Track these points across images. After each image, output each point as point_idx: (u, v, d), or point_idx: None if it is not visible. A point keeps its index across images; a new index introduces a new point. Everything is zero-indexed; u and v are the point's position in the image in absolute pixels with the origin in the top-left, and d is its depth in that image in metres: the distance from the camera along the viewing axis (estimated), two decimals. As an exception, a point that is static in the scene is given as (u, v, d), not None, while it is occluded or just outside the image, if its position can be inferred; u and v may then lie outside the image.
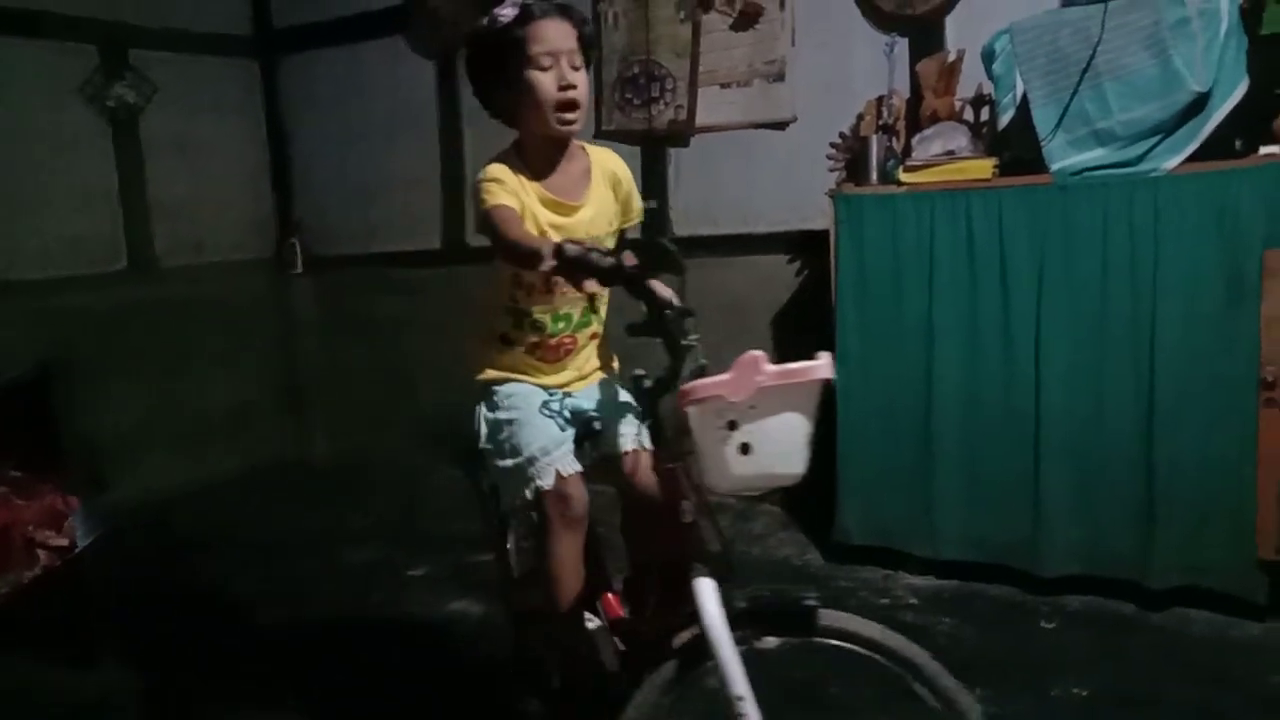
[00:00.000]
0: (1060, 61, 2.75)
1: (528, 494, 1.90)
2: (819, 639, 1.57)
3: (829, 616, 1.57)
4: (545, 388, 1.98)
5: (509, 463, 1.92)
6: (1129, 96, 2.65)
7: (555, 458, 1.88)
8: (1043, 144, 2.76)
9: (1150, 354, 2.66)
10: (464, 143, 4.49)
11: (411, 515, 4.01)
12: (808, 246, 3.48)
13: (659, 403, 1.68)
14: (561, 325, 1.96)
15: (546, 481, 1.87)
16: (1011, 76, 2.84)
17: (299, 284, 4.97)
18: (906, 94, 3.30)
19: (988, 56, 2.91)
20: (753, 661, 1.54)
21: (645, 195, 4.04)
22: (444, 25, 4.43)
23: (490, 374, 2.00)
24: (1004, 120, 2.88)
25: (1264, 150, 2.57)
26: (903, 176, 3.00)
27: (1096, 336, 2.73)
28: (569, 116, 1.82)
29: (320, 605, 3.17)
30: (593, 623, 1.96)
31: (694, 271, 3.87)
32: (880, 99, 3.27)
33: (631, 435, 1.93)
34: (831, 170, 3.39)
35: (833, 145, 3.39)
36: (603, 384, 2.01)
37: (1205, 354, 2.61)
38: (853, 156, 3.31)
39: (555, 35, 1.81)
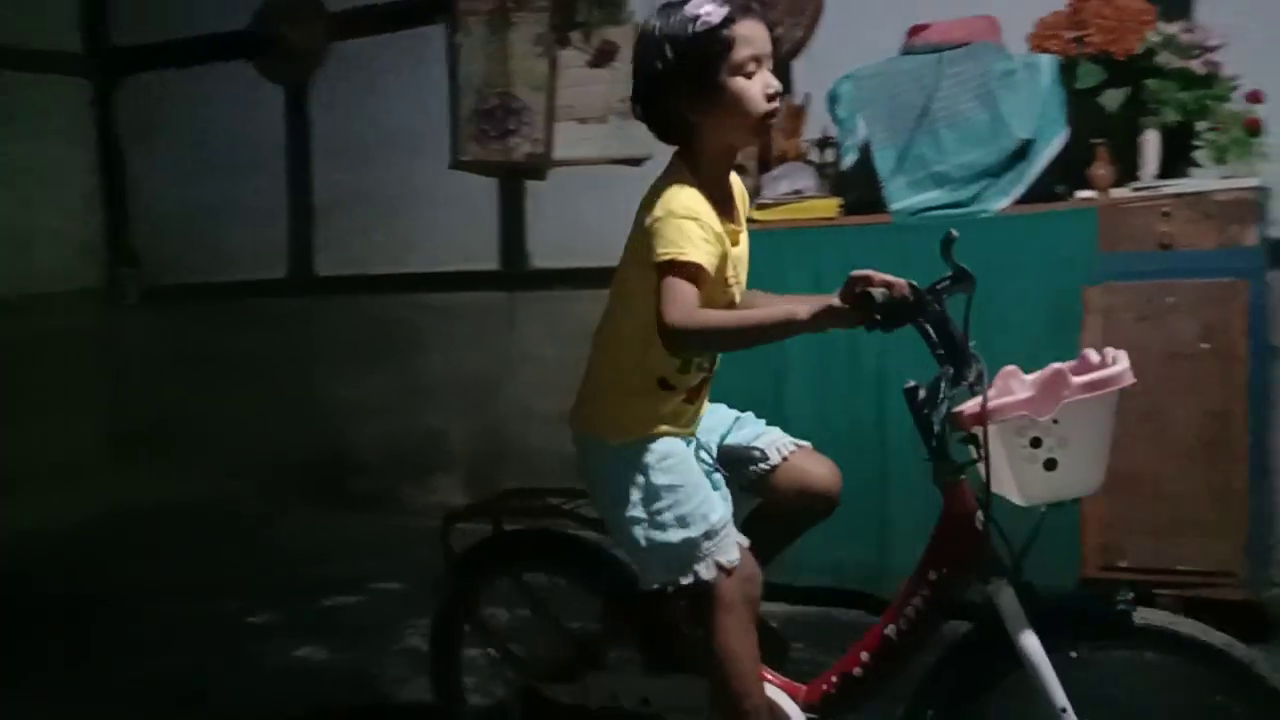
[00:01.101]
0: (899, 107, 2.90)
1: (701, 573, 1.66)
2: (1134, 646, 1.54)
3: (1147, 616, 1.50)
4: (687, 438, 1.77)
5: (674, 536, 1.67)
6: (962, 142, 2.82)
7: (732, 529, 1.69)
8: (883, 185, 2.90)
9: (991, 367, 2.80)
10: (312, 171, 4.37)
11: (257, 560, 3.83)
12: (664, 280, 3.53)
13: (936, 416, 1.57)
14: (713, 356, 1.78)
15: (729, 556, 1.67)
16: (854, 120, 2.96)
17: (134, 315, 4.71)
18: (757, 134, 3.40)
19: (832, 101, 3.04)
20: (1064, 670, 1.49)
21: (505, 227, 4.10)
22: (294, 51, 4.31)
23: (639, 431, 1.72)
24: (848, 162, 3.00)
25: (1081, 195, 2.77)
26: (753, 214, 3.07)
27: (935, 369, 2.86)
28: (771, 125, 1.69)
29: (159, 656, 2.97)
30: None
31: (554, 303, 3.96)
32: (733, 138, 3.36)
33: (775, 443, 1.84)
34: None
35: (689, 182, 3.46)
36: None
37: (1038, 366, 2.76)
38: (707, 193, 3.38)
39: (760, 36, 1.61)
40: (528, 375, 4.01)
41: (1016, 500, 1.51)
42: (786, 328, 1.57)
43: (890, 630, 1.66)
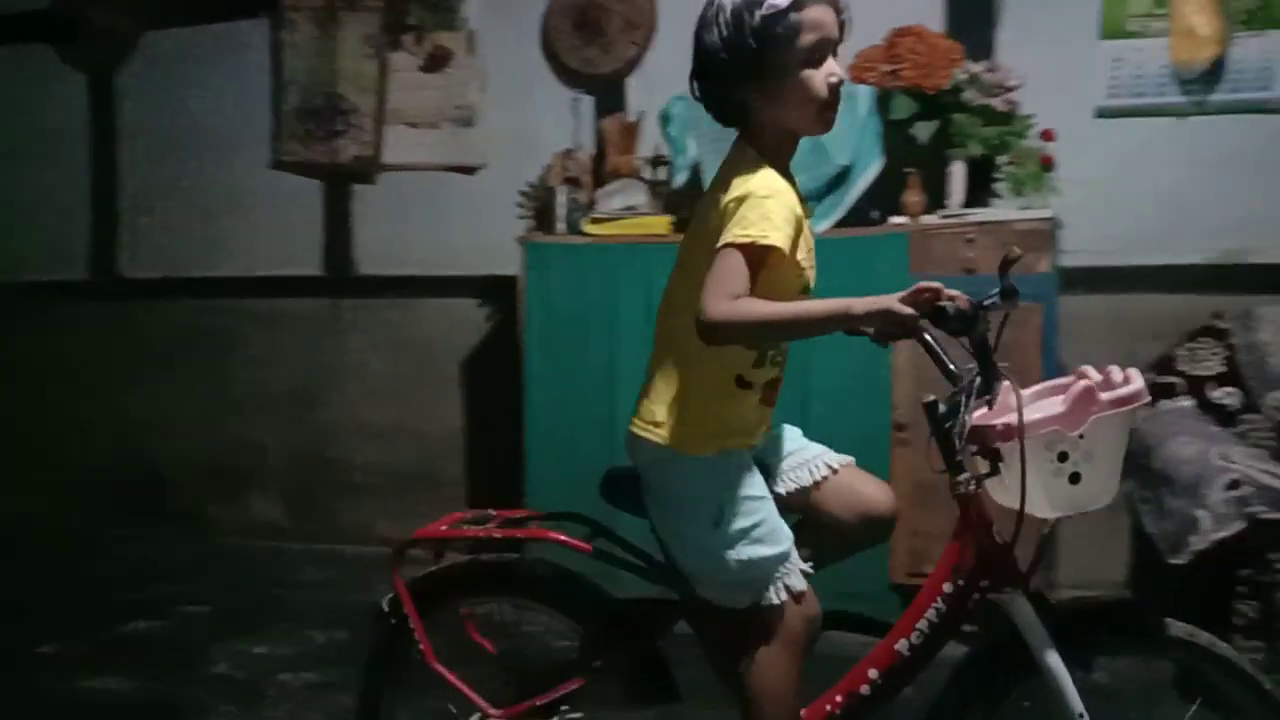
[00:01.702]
0: (728, 130, 2.97)
1: (773, 597, 1.61)
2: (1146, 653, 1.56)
3: (1164, 626, 1.52)
4: (752, 448, 1.68)
5: (754, 554, 1.60)
6: (786, 165, 2.93)
7: (797, 554, 1.64)
8: (713, 204, 2.97)
9: (805, 400, 2.91)
10: (118, 166, 4.09)
11: (53, 583, 3.53)
12: (498, 291, 3.50)
13: (953, 427, 1.53)
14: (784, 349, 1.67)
15: (798, 582, 1.63)
16: (685, 140, 3.03)
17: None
18: (592, 149, 3.42)
19: (664, 119, 3.10)
20: (1077, 675, 1.50)
21: (330, 231, 3.96)
22: (100, 37, 4.03)
23: (721, 443, 1.62)
24: (679, 180, 3.07)
25: (894, 220, 2.93)
26: (587, 228, 3.11)
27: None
28: (834, 114, 1.57)
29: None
30: None
31: (382, 312, 3.86)
32: (567, 152, 3.37)
33: (821, 458, 1.75)
34: (521, 218, 3.44)
35: (521, 193, 3.45)
36: None
37: (849, 399, 2.89)
38: (540, 206, 3.38)
39: (828, 21, 1.53)
40: (353, 387, 3.89)
41: (1040, 513, 1.52)
42: (836, 322, 1.50)
43: (902, 645, 1.62)
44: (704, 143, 3.00)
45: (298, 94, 3.81)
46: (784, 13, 1.49)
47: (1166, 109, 3.06)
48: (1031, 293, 2.76)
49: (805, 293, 1.65)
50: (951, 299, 1.45)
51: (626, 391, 3.01)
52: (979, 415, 1.51)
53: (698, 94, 1.61)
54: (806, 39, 1.50)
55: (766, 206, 1.48)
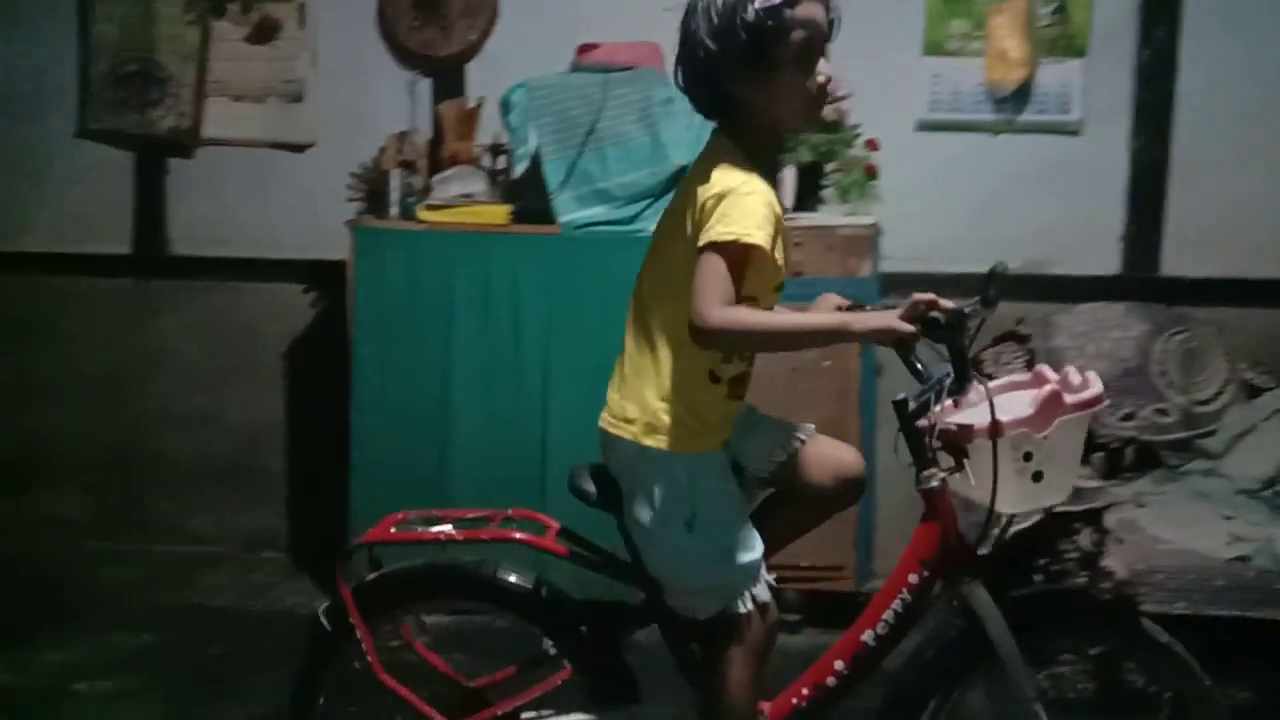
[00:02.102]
0: (568, 122, 2.97)
1: (740, 607, 1.60)
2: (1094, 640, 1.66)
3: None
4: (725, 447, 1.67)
5: (727, 561, 1.59)
6: (625, 162, 2.95)
7: (764, 565, 1.63)
8: (552, 197, 2.96)
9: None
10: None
11: None
12: (325, 277, 3.36)
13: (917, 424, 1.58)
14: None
15: (764, 593, 1.62)
16: (526, 130, 3.00)
17: None
18: (429, 133, 3.34)
19: (504, 107, 3.05)
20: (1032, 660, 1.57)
21: (141, 207, 3.70)
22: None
23: (704, 440, 1.62)
24: (518, 170, 3.03)
25: (729, 220, 2.99)
26: (422, 214, 3.03)
27: (598, 378, 2.94)
28: (820, 112, 1.57)
29: None
30: None
31: (199, 295, 3.64)
32: (402, 135, 3.28)
33: (790, 432, 1.73)
34: (351, 201, 3.32)
35: (353, 175, 3.33)
36: None
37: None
38: (373, 189, 3.28)
39: (820, 19, 1.51)
40: (164, 374, 3.65)
41: (1005, 509, 1.58)
42: (831, 337, 1.54)
43: (868, 636, 1.65)
44: (545, 133, 2.98)
45: (108, 58, 3.54)
46: (779, 8, 1.48)
47: (980, 125, 3.27)
48: (854, 296, 2.89)
49: (779, 290, 1.65)
50: (943, 310, 1.48)
51: (461, 384, 2.99)
52: (946, 414, 1.56)
53: (680, 83, 1.59)
54: (799, 35, 1.49)
55: (748, 204, 1.47)
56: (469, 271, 2.97)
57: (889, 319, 1.46)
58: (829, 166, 3.12)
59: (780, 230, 1.55)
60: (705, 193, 1.50)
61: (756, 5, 1.47)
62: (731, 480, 1.67)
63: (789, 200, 3.07)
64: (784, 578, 2.79)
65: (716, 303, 1.44)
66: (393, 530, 1.74)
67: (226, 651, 2.81)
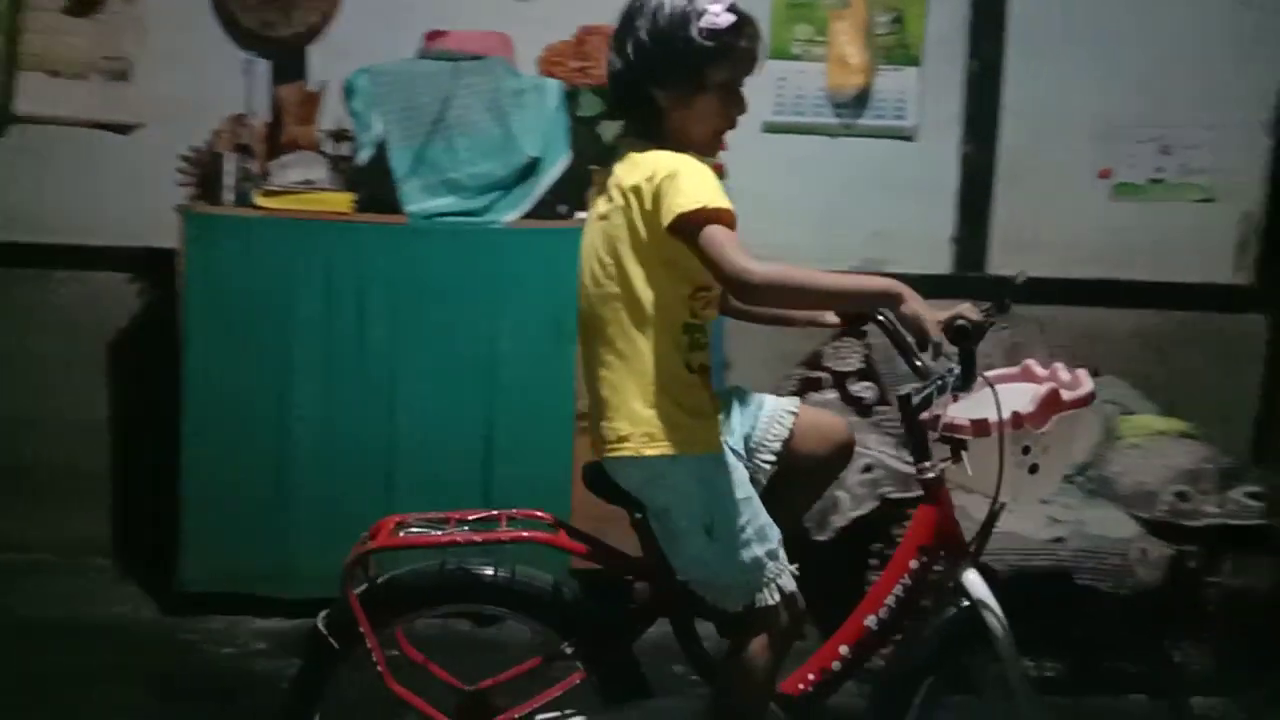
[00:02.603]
0: (416, 110, 2.90)
1: (767, 598, 1.62)
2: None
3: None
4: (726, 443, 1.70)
5: (749, 555, 1.61)
6: (475, 151, 2.90)
7: (784, 554, 1.66)
8: (398, 186, 2.88)
9: (491, 389, 2.91)
10: None
11: None
12: (153, 265, 3.17)
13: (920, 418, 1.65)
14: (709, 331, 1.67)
15: (789, 583, 1.65)
16: (370, 116, 2.91)
17: None
18: (267, 117, 3.19)
19: (348, 92, 2.96)
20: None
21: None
22: None
23: (687, 428, 1.60)
24: (363, 157, 2.94)
25: (581, 215, 2.99)
26: (259, 200, 2.90)
27: (446, 372, 2.91)
28: (722, 142, 1.63)
29: None
30: None
31: (11, 285, 3.36)
32: (238, 117, 3.12)
33: (780, 408, 1.78)
34: (182, 185, 3.14)
35: (184, 158, 3.15)
36: None
37: (536, 389, 2.93)
38: (206, 173, 3.11)
39: (752, 54, 1.58)
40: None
41: (1003, 499, 1.66)
42: (877, 299, 1.56)
43: (870, 620, 1.70)
44: (391, 120, 2.90)
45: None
46: (722, 33, 1.53)
47: (822, 128, 3.38)
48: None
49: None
50: (969, 320, 1.56)
51: (302, 380, 2.88)
52: (946, 409, 1.65)
53: (609, 70, 1.62)
54: (731, 63, 1.56)
55: (705, 176, 1.50)
56: (310, 261, 2.86)
57: (933, 318, 1.51)
58: (679, 163, 3.16)
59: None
60: (653, 180, 1.51)
61: (702, 24, 1.52)
62: (738, 475, 1.67)
63: (640, 196, 3.10)
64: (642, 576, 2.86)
65: (746, 257, 1.46)
66: (401, 534, 1.70)
67: (52, 666, 2.62)
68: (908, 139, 3.40)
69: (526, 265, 2.90)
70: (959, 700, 1.80)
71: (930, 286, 3.25)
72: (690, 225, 1.47)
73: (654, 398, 1.58)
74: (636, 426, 1.59)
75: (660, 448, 1.59)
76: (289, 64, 3.26)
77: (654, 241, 1.54)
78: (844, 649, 1.71)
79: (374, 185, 2.94)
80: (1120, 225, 3.41)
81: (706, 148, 1.64)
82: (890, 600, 1.71)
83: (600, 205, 1.65)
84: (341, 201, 2.93)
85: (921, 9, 3.33)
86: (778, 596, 1.64)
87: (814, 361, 3.23)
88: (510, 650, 1.98)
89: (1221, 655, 2.55)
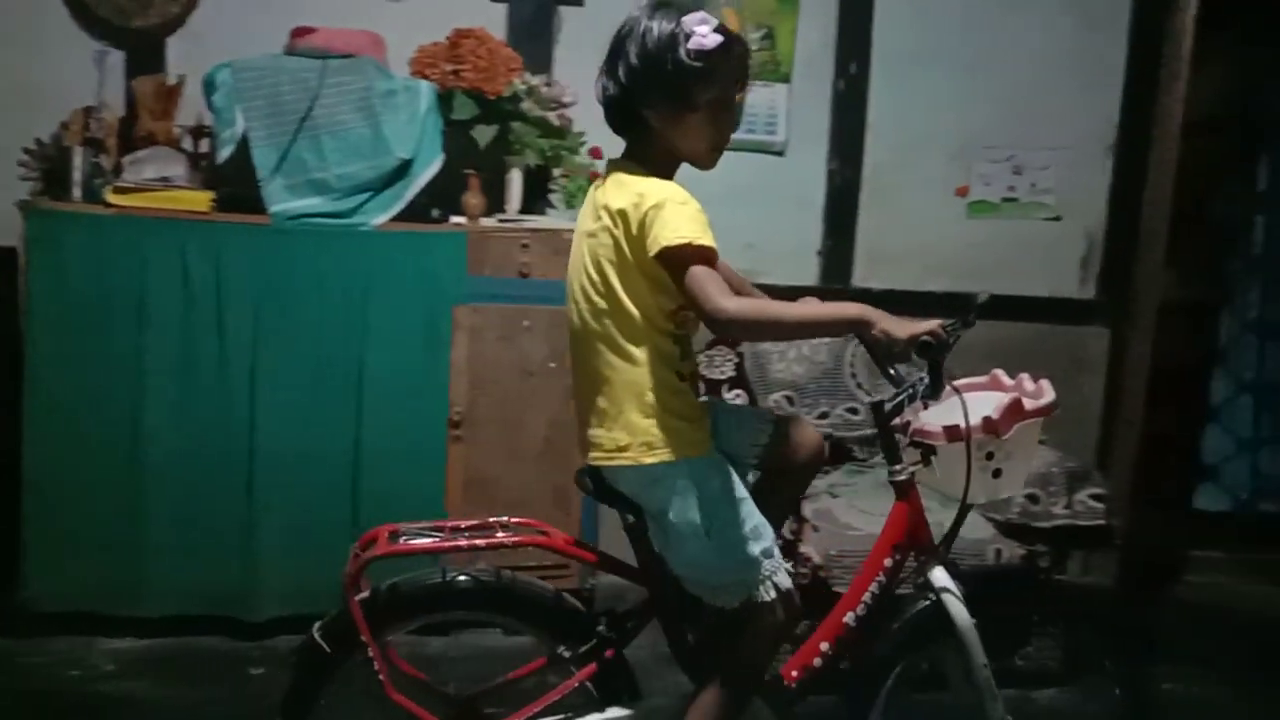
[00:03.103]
0: (280, 107, 2.80)
1: (763, 594, 1.69)
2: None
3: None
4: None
5: (746, 553, 1.69)
6: (343, 152, 2.82)
7: (779, 552, 1.75)
8: (261, 185, 2.78)
9: (359, 397, 2.83)
10: None
11: None
12: (-8, 265, 2.96)
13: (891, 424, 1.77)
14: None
15: (785, 580, 1.72)
16: (232, 112, 2.79)
17: None
18: (121, 110, 3.03)
19: (209, 87, 2.83)
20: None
21: None
22: None
23: (699, 442, 1.70)
24: (223, 154, 2.82)
25: (454, 220, 2.95)
26: (111, 198, 2.75)
27: (312, 379, 2.81)
28: (720, 156, 1.70)
29: None
30: None
31: None
32: (89, 110, 2.95)
33: (762, 417, 1.90)
34: (25, 180, 2.94)
35: (28, 152, 2.95)
36: None
37: (407, 396, 2.86)
38: (52, 168, 2.92)
39: (741, 73, 1.66)
40: None
41: (967, 500, 1.76)
42: (849, 326, 1.63)
43: (849, 618, 1.80)
44: (254, 117, 2.80)
45: None
46: (710, 54, 1.58)
47: (697, 140, 3.42)
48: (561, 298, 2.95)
49: None
50: (935, 335, 1.62)
51: (156, 387, 2.74)
52: (920, 416, 1.76)
53: (601, 94, 1.67)
54: (720, 82, 1.61)
55: (690, 211, 1.58)
56: (165, 261, 2.73)
57: (903, 331, 1.58)
58: (556, 171, 3.15)
59: None
60: (640, 207, 1.58)
61: (690, 46, 1.58)
62: (732, 476, 1.73)
63: (517, 203, 3.08)
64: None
65: (721, 295, 1.54)
66: (401, 542, 1.71)
67: None
68: (778, 154, 3.48)
69: (397, 269, 2.84)
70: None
71: (800, 297, 3.41)
72: (675, 260, 1.56)
73: (649, 407, 1.65)
74: (635, 436, 1.66)
75: (658, 455, 1.66)
76: (146, 55, 3.10)
77: (639, 262, 1.61)
78: (824, 645, 1.81)
79: (235, 184, 2.82)
80: (975, 240, 3.58)
81: (703, 162, 1.71)
82: (866, 597, 1.81)
83: (588, 223, 1.70)
84: (200, 200, 2.80)
85: (792, 27, 3.42)
86: (774, 593, 1.70)
87: (688, 369, 3.27)
88: (497, 658, 2.03)
89: (1068, 648, 2.70)
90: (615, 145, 3.23)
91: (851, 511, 2.72)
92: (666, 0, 1.65)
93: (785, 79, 3.44)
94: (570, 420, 2.94)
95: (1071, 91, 3.57)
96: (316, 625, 1.74)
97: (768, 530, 1.73)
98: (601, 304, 1.66)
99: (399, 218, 2.86)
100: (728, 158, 3.38)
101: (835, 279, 3.55)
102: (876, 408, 1.76)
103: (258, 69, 2.83)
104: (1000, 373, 1.92)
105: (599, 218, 1.66)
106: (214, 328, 2.76)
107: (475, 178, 2.97)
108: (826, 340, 3.25)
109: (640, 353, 1.64)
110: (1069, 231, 3.65)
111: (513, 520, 1.83)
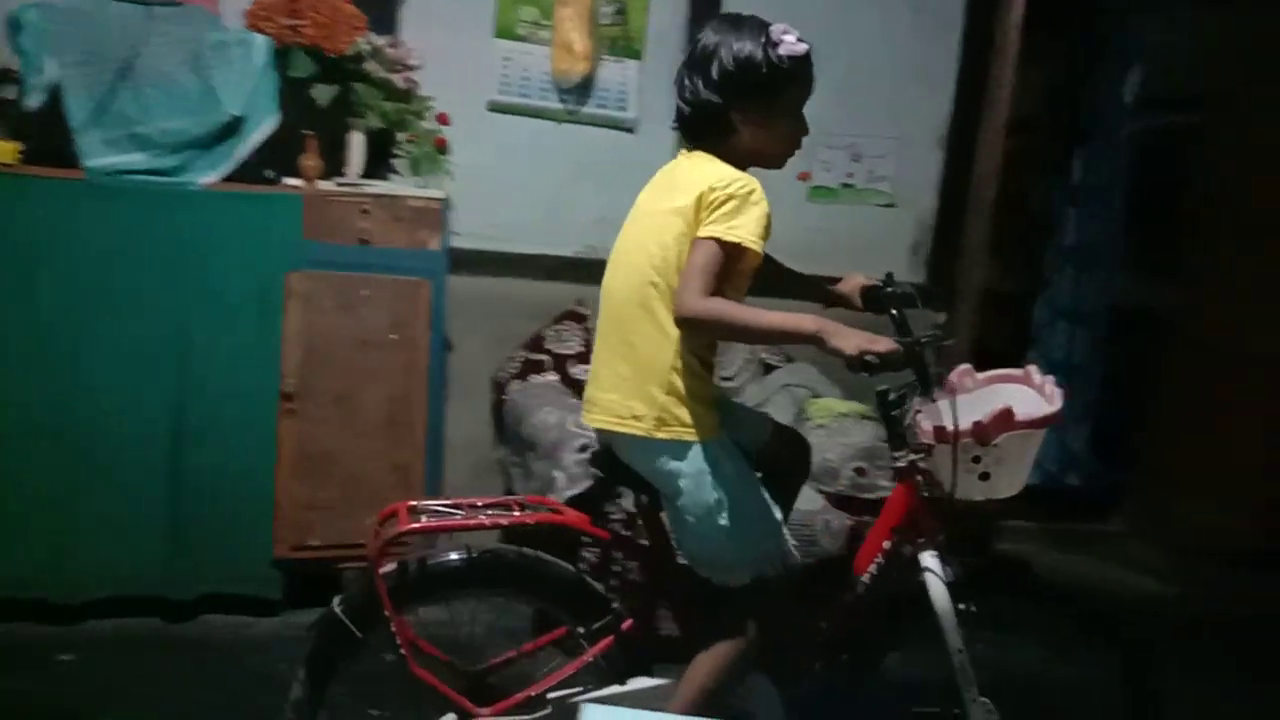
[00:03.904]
0: (99, 55, 2.60)
1: (771, 571, 1.77)
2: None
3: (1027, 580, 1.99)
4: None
5: (754, 532, 1.77)
6: (169, 106, 2.64)
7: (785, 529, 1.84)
8: (75, 137, 2.57)
9: (184, 367, 2.67)
10: None
11: None
12: None
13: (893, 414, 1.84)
14: None
15: (793, 557, 1.82)
16: (42, 57, 2.57)
17: None
18: (-91, 49, 2.74)
19: (12, 27, 2.59)
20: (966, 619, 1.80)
21: None
22: None
23: (714, 424, 1.76)
24: (32, 102, 2.59)
25: (290, 181, 2.82)
26: (-103, 144, 2.48)
27: (131, 348, 2.64)
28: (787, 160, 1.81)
29: None
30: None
31: None
32: None
33: (762, 422, 1.96)
34: None
35: None
36: None
37: (236, 367, 2.72)
38: None
39: (812, 83, 1.78)
40: None
41: (960, 495, 1.81)
42: (805, 340, 1.65)
43: (848, 597, 1.90)
44: (69, 64, 2.58)
45: None
46: (800, 59, 1.73)
47: (546, 112, 3.39)
48: (423, 268, 2.88)
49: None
50: (877, 354, 1.64)
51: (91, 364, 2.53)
52: (923, 412, 1.83)
53: (690, 99, 1.74)
54: (802, 85, 1.76)
55: (754, 212, 1.65)
56: (-36, 217, 2.49)
57: (851, 348, 1.63)
58: (401, 136, 3.05)
59: (769, 235, 1.72)
60: (714, 189, 1.65)
61: (782, 51, 1.71)
62: (741, 458, 1.80)
63: (358, 167, 2.96)
64: (346, 557, 2.75)
65: (700, 291, 1.61)
66: (424, 520, 1.72)
67: None
68: (629, 130, 3.49)
69: (227, 231, 2.69)
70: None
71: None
72: (708, 245, 1.63)
73: (671, 385, 1.71)
74: (651, 409, 1.72)
75: (671, 432, 1.72)
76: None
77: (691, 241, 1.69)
78: (824, 624, 1.92)
79: (46, 135, 2.60)
80: (815, 225, 3.68)
81: (778, 162, 1.81)
82: (866, 578, 1.90)
83: (659, 198, 1.77)
84: (6, 151, 2.57)
85: (644, 3, 3.42)
86: (782, 570, 1.79)
87: (536, 344, 3.25)
88: (505, 634, 2.05)
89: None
90: (464, 111, 3.18)
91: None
92: (739, 15, 1.78)
93: (636, 55, 3.44)
94: (412, 395, 2.91)
95: (908, 84, 3.72)
96: (337, 599, 1.75)
97: (775, 510, 1.82)
98: (656, 278, 1.70)
99: (230, 178, 2.71)
100: (578, 131, 3.43)
101: (682, 257, 3.58)
102: (881, 396, 1.85)
103: (73, 11, 2.61)
104: (1033, 369, 1.97)
105: (678, 196, 1.71)
106: (22, 291, 2.55)
107: (313, 139, 2.84)
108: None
109: (674, 331, 1.69)
110: (902, 218, 3.82)
111: (529, 498, 1.91)
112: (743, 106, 1.73)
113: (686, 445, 1.73)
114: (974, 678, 1.81)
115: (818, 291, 2.09)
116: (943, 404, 1.80)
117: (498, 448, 3.24)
